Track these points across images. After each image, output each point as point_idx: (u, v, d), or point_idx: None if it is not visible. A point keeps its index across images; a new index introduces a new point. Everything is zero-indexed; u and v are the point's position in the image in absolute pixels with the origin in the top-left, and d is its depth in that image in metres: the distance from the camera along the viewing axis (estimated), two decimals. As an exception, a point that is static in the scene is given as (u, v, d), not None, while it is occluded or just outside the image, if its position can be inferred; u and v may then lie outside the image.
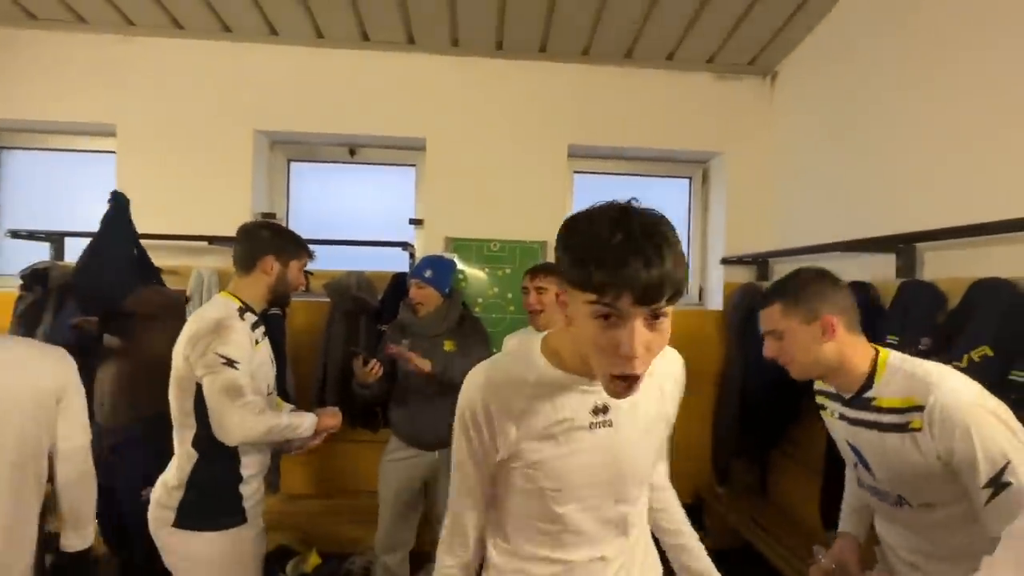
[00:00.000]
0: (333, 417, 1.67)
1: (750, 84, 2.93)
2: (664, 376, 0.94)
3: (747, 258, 2.81)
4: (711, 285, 3.06)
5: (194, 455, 1.47)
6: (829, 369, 1.15)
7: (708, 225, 3.11)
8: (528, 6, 2.42)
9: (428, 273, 2.07)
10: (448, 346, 2.07)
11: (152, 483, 1.80)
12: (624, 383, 0.74)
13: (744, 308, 2.66)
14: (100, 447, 1.80)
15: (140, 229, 2.44)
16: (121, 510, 1.83)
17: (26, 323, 2.41)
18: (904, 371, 1.08)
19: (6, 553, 1.21)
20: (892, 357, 1.12)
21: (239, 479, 1.51)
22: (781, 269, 2.76)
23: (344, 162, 3.01)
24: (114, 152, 2.71)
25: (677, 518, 1.10)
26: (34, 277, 2.43)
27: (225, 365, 1.41)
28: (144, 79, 2.69)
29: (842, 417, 1.19)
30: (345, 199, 3.02)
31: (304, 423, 1.57)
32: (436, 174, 2.82)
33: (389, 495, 2.09)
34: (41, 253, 2.62)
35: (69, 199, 2.86)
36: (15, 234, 2.55)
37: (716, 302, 2.96)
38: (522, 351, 0.90)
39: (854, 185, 2.24)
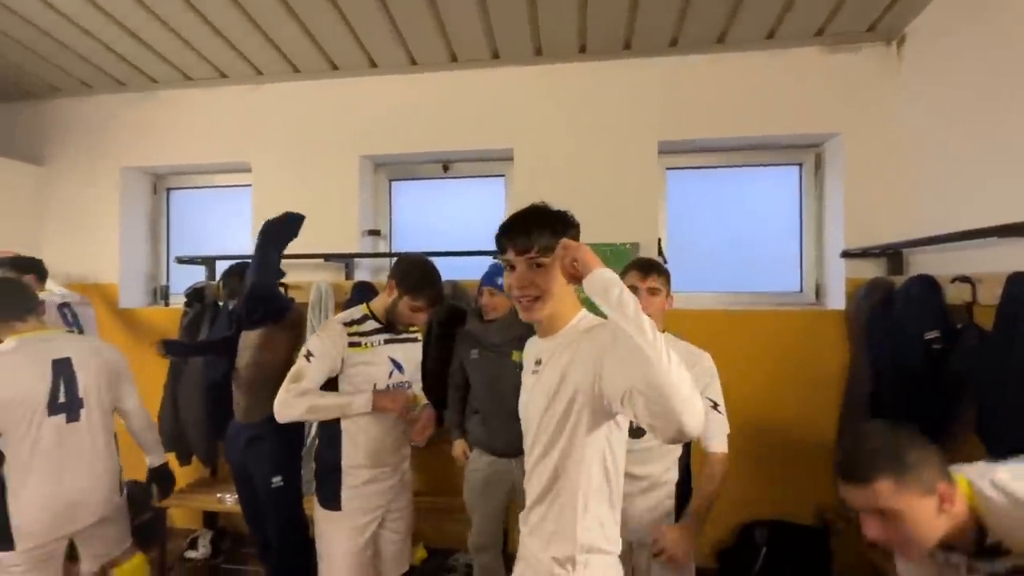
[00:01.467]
0: (392, 401, 1.68)
1: (871, 53, 2.59)
2: (590, 346, 1.06)
3: (874, 250, 2.48)
4: (829, 282, 2.74)
5: (318, 438, 1.78)
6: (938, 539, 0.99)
7: (824, 215, 2.79)
8: (609, 5, 2.38)
9: (500, 280, 2.09)
10: (515, 356, 2.03)
11: (281, 473, 2.08)
12: (522, 305, 1.13)
13: (871, 306, 2.35)
14: (239, 442, 2.10)
15: (271, 250, 2.79)
16: (256, 495, 2.10)
17: (189, 334, 2.87)
18: (1003, 496, 0.93)
19: (92, 480, 1.82)
20: (975, 484, 0.96)
21: (339, 467, 1.70)
22: (917, 261, 2.40)
23: (439, 178, 3.18)
24: (250, 185, 3.15)
25: None
26: (194, 295, 2.91)
27: (303, 357, 1.66)
28: (271, 120, 3.10)
29: None
30: (441, 212, 3.19)
31: (356, 400, 1.65)
32: (524, 182, 2.87)
33: (473, 500, 2.17)
34: (198, 275, 3.11)
35: (217, 228, 3.38)
36: (180, 260, 3.06)
37: (837, 301, 2.64)
38: None
39: (1006, 160, 1.88)
